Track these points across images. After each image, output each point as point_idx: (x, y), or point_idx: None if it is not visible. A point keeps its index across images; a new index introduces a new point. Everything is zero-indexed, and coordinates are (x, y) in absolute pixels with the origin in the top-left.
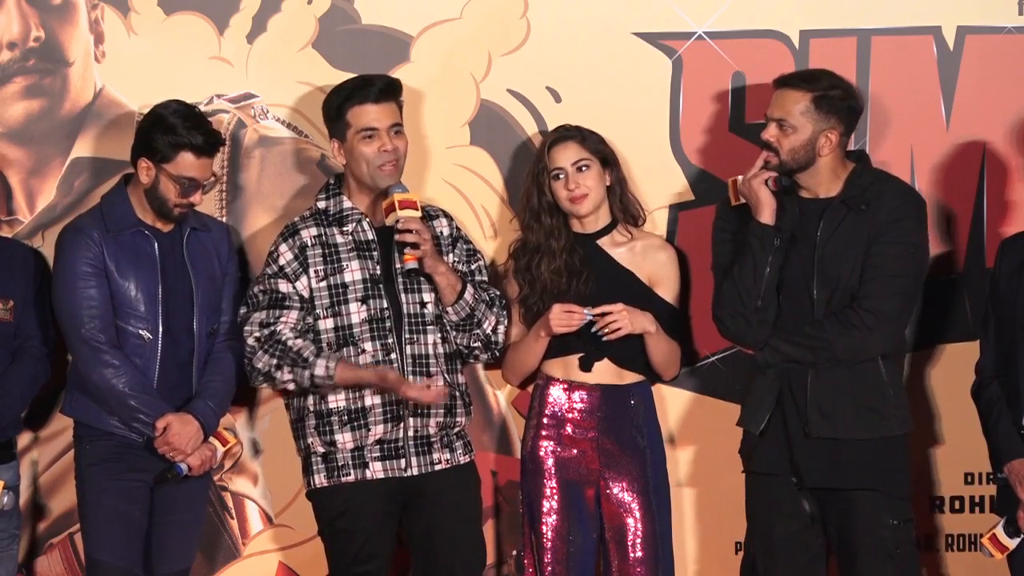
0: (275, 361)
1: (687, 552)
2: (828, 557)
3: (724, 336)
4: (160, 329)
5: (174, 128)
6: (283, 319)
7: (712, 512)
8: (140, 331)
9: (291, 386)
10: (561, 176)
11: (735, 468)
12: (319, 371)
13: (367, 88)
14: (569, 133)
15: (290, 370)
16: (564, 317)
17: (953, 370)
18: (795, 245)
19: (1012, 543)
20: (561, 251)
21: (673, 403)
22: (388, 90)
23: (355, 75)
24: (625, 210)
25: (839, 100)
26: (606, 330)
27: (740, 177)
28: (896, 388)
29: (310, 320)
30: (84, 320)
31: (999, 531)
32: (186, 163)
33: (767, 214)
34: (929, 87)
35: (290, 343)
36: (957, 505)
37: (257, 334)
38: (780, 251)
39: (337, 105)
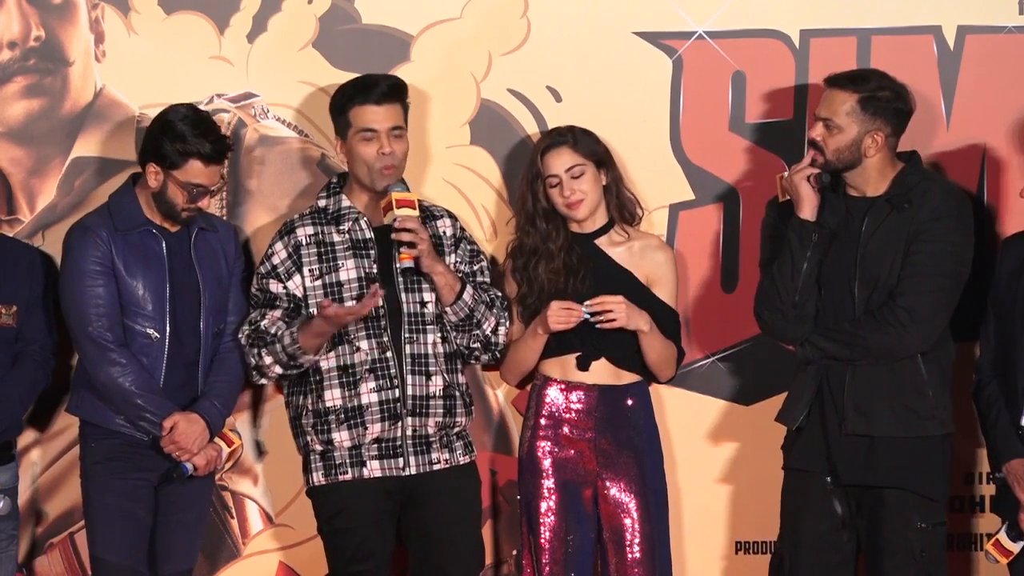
0: (256, 350)
1: (687, 552)
2: (857, 563)
3: (764, 332)
4: (167, 328)
5: (183, 136)
6: (267, 316)
7: (712, 512)
8: (147, 330)
9: (278, 369)
10: (556, 183)
11: (736, 468)
12: (287, 340)
13: (370, 89)
14: (562, 138)
15: (268, 352)
16: (563, 314)
17: (952, 370)
18: (839, 242)
19: (1016, 547)
20: (559, 251)
21: (674, 403)
22: (391, 92)
23: (357, 75)
24: (621, 208)
25: (886, 101)
26: (601, 318)
27: (785, 173)
28: (936, 388)
29: (300, 319)
30: (91, 319)
31: (1002, 536)
32: (195, 171)
33: (808, 210)
34: (929, 87)
35: (261, 326)
36: (958, 505)
37: (247, 332)
38: (818, 247)
39: (341, 104)
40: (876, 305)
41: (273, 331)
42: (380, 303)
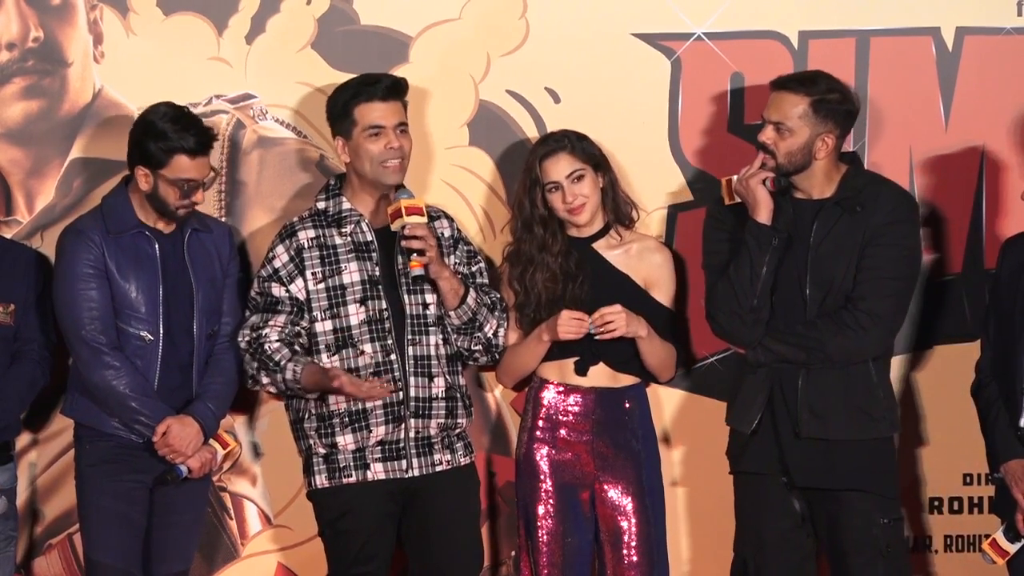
0: (256, 365)
1: (683, 553)
2: (818, 557)
3: (717, 335)
4: (161, 331)
5: (164, 134)
6: (271, 323)
7: (709, 513)
8: (141, 332)
9: (273, 390)
10: (556, 189)
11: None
12: (288, 375)
13: (374, 86)
14: (559, 144)
15: (267, 374)
16: (573, 324)
17: (952, 370)
18: (789, 245)
19: (1013, 548)
20: (556, 257)
21: (668, 403)
22: (395, 89)
23: (355, 75)
24: (617, 210)
25: (836, 104)
26: (602, 330)
27: (735, 177)
28: (886, 390)
29: (304, 323)
30: (85, 322)
31: (999, 536)
32: (182, 166)
33: (764, 214)
34: (928, 88)
35: (267, 347)
36: (956, 506)
37: (247, 338)
38: (777, 251)
39: (343, 103)
40: (832, 308)
41: (276, 359)
42: (392, 390)
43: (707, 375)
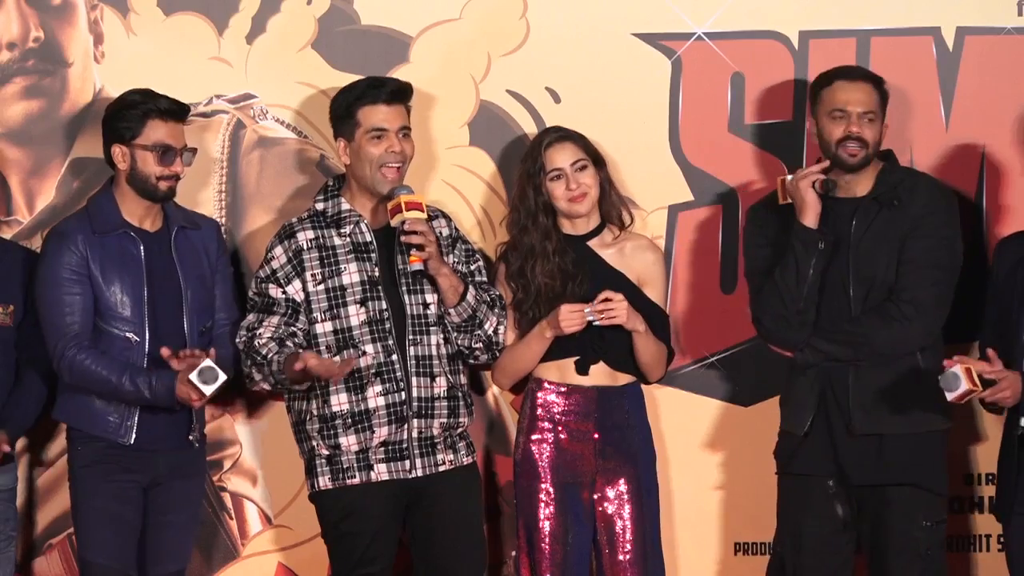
0: (249, 363)
1: (686, 553)
2: (855, 563)
3: (763, 338)
4: (147, 332)
5: (135, 103)
6: (265, 323)
7: (711, 513)
8: (126, 334)
9: (266, 386)
10: (560, 177)
11: (734, 469)
12: (274, 367)
13: (379, 89)
14: (565, 133)
15: (258, 370)
16: (575, 316)
17: None
18: (836, 248)
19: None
20: (554, 253)
21: (672, 404)
22: (399, 92)
23: (356, 76)
24: (613, 209)
25: (886, 95)
26: (603, 315)
27: (789, 176)
28: (935, 382)
29: (300, 324)
30: (63, 325)
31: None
32: (156, 129)
33: (811, 217)
34: (928, 88)
35: (256, 343)
36: (956, 506)
37: (243, 338)
38: (824, 254)
39: (347, 104)
40: (876, 303)
41: (264, 352)
42: (358, 363)
43: (706, 375)
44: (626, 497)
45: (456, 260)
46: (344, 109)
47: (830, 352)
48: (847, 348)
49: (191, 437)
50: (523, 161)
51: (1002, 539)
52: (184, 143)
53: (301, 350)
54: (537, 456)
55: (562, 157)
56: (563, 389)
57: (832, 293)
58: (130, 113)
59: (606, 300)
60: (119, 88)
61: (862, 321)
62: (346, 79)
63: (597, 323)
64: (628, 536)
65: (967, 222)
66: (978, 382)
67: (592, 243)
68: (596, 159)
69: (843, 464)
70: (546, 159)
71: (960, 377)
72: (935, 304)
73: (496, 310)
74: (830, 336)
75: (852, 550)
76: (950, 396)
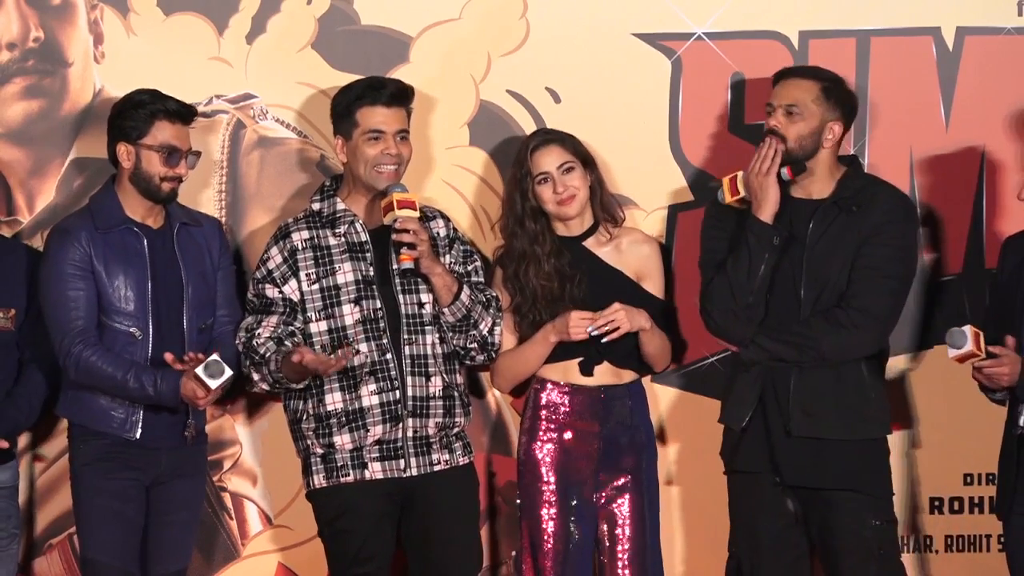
0: (248, 363)
1: (677, 552)
2: (812, 557)
3: (710, 331)
4: (150, 327)
5: (143, 103)
6: (264, 323)
7: (704, 511)
8: (130, 329)
9: (265, 386)
10: (547, 180)
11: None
12: (272, 366)
13: (379, 90)
14: (551, 136)
15: (256, 370)
16: (584, 323)
17: (952, 371)
18: (789, 245)
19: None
20: (548, 256)
21: (664, 401)
22: (400, 95)
23: (356, 76)
24: (605, 209)
25: (844, 93)
26: (606, 329)
27: (739, 173)
28: (877, 391)
29: (298, 323)
30: (68, 321)
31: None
32: (162, 130)
33: (768, 212)
34: (928, 88)
35: (255, 343)
36: (956, 506)
37: (242, 339)
38: (777, 250)
39: (347, 103)
40: (826, 307)
41: (262, 351)
42: (356, 352)
43: (702, 373)
44: (628, 496)
45: (453, 260)
46: (344, 108)
47: (775, 352)
48: (792, 349)
49: (186, 434)
50: (512, 166)
51: (1002, 539)
52: (189, 146)
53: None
54: (540, 456)
55: (548, 160)
56: (567, 389)
57: (783, 293)
58: (138, 113)
59: (608, 322)
60: (119, 88)
61: (811, 324)
62: (346, 79)
63: (604, 340)
64: (628, 534)
65: (967, 222)
66: (984, 349)
67: (588, 243)
68: (585, 160)
69: (779, 463)
70: (532, 163)
71: (967, 336)
72: (886, 313)
73: (492, 311)
74: (776, 336)
75: (806, 544)
76: (952, 354)
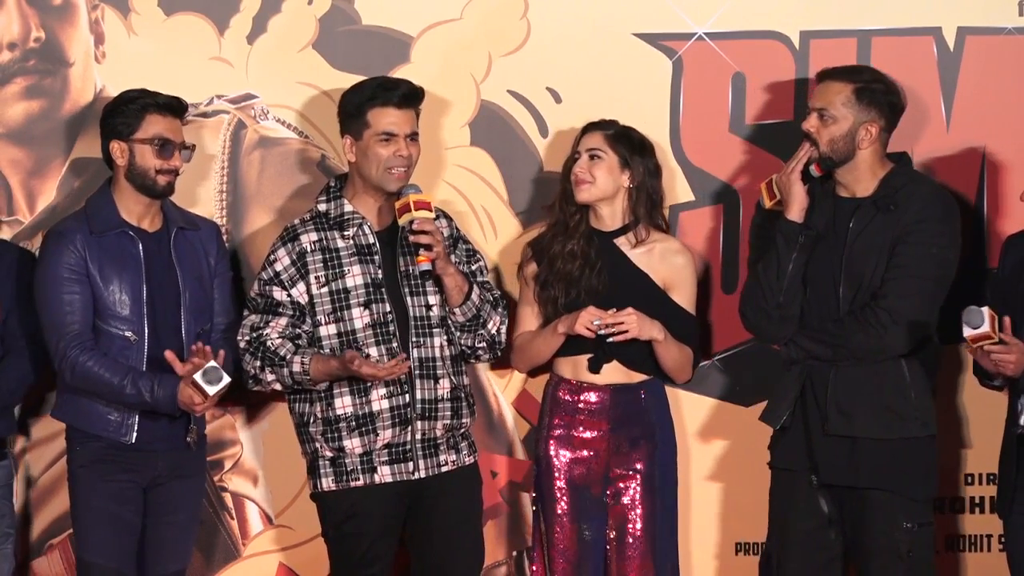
0: (259, 363)
1: (688, 553)
2: (848, 561)
3: (748, 330)
4: (146, 330)
5: (133, 98)
6: (272, 324)
7: (712, 513)
8: (125, 333)
9: (277, 386)
10: (578, 158)
11: (735, 469)
12: (296, 368)
13: (392, 91)
14: (601, 124)
15: (272, 370)
16: (591, 319)
17: (951, 371)
18: (826, 242)
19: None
20: (578, 237)
21: (673, 403)
22: (411, 96)
23: (357, 76)
24: (646, 212)
25: (880, 93)
26: (612, 330)
27: (775, 176)
28: (919, 390)
29: (306, 327)
30: (63, 324)
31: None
32: (153, 123)
33: (796, 211)
34: (929, 88)
35: (269, 344)
36: (956, 506)
37: (247, 337)
38: (804, 249)
39: (358, 103)
40: (859, 306)
41: (282, 354)
42: (408, 365)
43: (709, 376)
44: (642, 495)
45: (457, 260)
46: (354, 107)
47: (812, 350)
48: (826, 348)
49: (188, 439)
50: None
51: (1002, 539)
52: (182, 139)
53: (322, 352)
54: (553, 453)
55: (585, 142)
56: (577, 386)
57: (824, 291)
58: (128, 108)
59: (616, 322)
60: (120, 88)
61: (843, 323)
62: (347, 79)
63: (610, 340)
64: (642, 534)
65: (967, 222)
66: (998, 333)
67: (618, 241)
68: (626, 161)
69: (817, 462)
70: (578, 142)
71: (985, 317)
72: (913, 314)
73: (499, 310)
74: (813, 335)
75: (840, 546)
76: (968, 333)
